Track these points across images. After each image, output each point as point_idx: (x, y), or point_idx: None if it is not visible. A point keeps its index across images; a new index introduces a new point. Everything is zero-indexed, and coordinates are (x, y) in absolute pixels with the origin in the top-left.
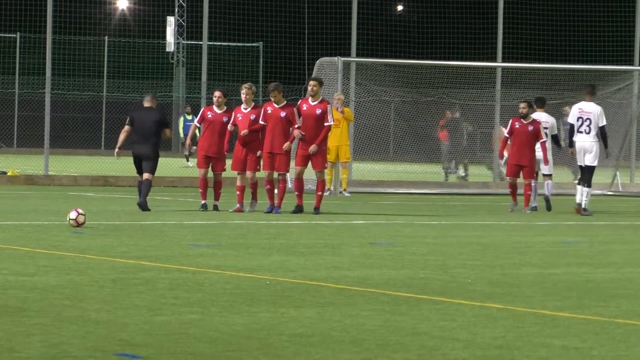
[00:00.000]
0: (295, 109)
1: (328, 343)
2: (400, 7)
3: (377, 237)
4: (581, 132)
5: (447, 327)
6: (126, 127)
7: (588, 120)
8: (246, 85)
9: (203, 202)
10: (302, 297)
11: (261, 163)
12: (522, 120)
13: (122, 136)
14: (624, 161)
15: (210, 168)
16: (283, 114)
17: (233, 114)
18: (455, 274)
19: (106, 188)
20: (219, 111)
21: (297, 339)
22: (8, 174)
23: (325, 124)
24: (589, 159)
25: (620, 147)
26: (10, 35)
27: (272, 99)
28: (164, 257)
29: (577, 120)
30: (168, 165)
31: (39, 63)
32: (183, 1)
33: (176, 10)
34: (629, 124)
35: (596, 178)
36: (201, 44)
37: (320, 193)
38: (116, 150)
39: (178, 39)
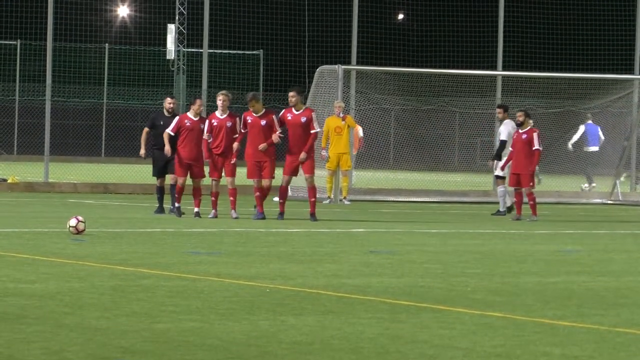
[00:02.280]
0: (274, 116)
1: (328, 351)
2: (401, 16)
3: (377, 245)
4: None
5: (447, 336)
6: (148, 130)
7: None
8: (223, 92)
9: (177, 205)
10: (301, 305)
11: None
12: (519, 128)
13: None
14: (624, 170)
15: (189, 175)
16: (263, 122)
17: (207, 121)
18: (455, 282)
19: (106, 195)
20: (195, 118)
21: (297, 346)
22: (8, 181)
23: (312, 131)
24: None
25: (620, 156)
26: (10, 42)
27: (251, 108)
28: (164, 264)
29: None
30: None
31: (39, 70)
32: (184, 9)
33: (177, 17)
34: (629, 133)
35: (597, 187)
36: (202, 52)
37: (313, 199)
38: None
39: (178, 46)
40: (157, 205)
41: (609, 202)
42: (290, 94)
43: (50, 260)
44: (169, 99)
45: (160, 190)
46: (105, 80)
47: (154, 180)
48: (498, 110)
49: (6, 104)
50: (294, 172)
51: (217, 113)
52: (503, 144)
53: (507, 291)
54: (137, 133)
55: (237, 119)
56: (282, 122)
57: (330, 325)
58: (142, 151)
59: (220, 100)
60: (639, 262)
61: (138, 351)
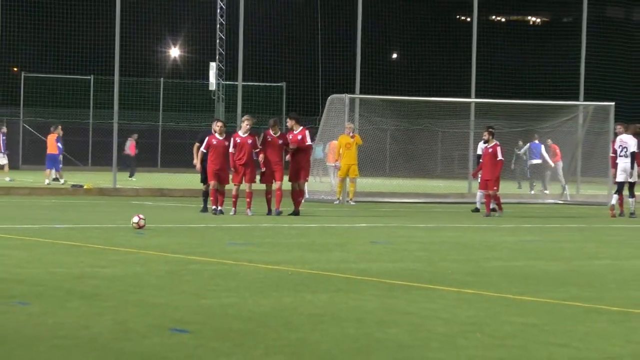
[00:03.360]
0: (286, 136)
1: (337, 320)
2: (394, 55)
3: (377, 237)
4: (622, 157)
5: (431, 308)
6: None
7: (626, 149)
8: (248, 117)
9: (215, 207)
10: (316, 284)
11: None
12: (486, 144)
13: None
14: (572, 176)
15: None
16: (280, 141)
17: (232, 139)
18: (438, 266)
19: (161, 198)
20: (220, 137)
21: (312, 317)
22: (84, 187)
23: (306, 143)
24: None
25: (568, 165)
26: (85, 77)
27: (272, 130)
28: (207, 253)
29: (619, 147)
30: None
31: (108, 99)
32: (222, 49)
33: (217, 57)
34: (575, 146)
35: (549, 189)
36: (237, 84)
37: (301, 199)
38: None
39: (218, 79)
40: (202, 205)
41: (560, 202)
42: (289, 121)
43: (118, 250)
44: (218, 122)
45: (206, 194)
46: (161, 107)
47: (200, 186)
48: (485, 133)
49: (82, 126)
50: (297, 178)
51: (240, 132)
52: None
53: (480, 273)
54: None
55: (256, 137)
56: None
57: (339, 300)
58: (197, 163)
59: (246, 123)
60: (584, 250)
61: (187, 322)
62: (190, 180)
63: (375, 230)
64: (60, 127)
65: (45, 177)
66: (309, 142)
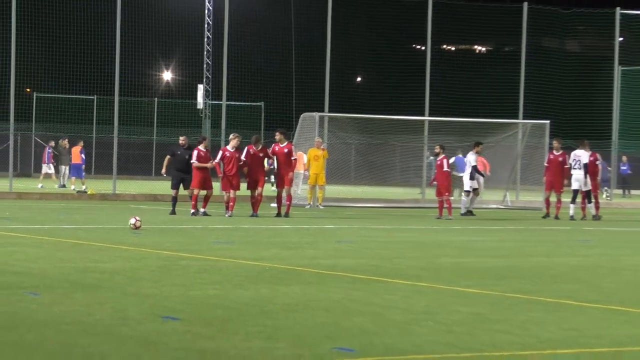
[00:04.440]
0: (267, 150)
1: (308, 310)
2: (359, 78)
3: (343, 236)
4: (575, 169)
5: (390, 299)
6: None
7: (579, 162)
8: (237, 135)
9: (203, 210)
10: (290, 278)
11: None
12: (436, 157)
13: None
14: (513, 184)
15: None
16: (261, 154)
17: (220, 152)
18: (396, 262)
19: (155, 202)
20: (205, 150)
21: (286, 306)
22: (88, 192)
23: (292, 158)
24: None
25: (509, 175)
26: (89, 97)
27: (254, 144)
28: (195, 250)
29: (573, 161)
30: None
31: (109, 116)
32: (209, 73)
33: (204, 79)
34: (515, 159)
35: (492, 196)
36: (221, 103)
37: (289, 202)
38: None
39: (205, 99)
40: (171, 209)
41: (501, 207)
42: (277, 134)
43: (117, 247)
44: (181, 137)
45: (175, 199)
46: (155, 123)
47: (186, 191)
48: (477, 147)
49: (87, 139)
50: (283, 185)
51: (229, 147)
52: (475, 168)
53: (432, 268)
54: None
55: (240, 151)
56: (273, 153)
57: (309, 292)
58: (164, 170)
59: (234, 140)
60: (522, 248)
61: (177, 310)
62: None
63: (342, 231)
64: (82, 141)
65: (71, 184)
66: (295, 156)
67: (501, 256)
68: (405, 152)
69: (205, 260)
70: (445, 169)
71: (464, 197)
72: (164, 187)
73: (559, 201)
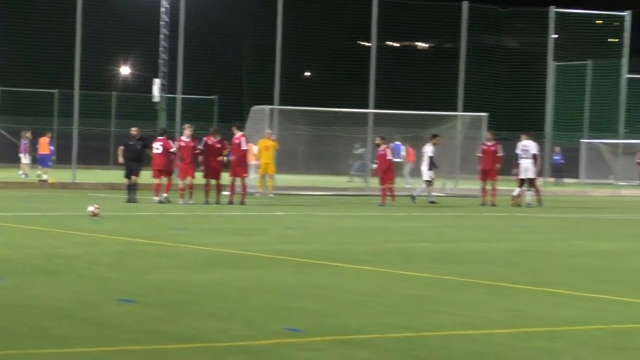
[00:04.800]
0: (225, 141)
1: (259, 292)
2: (308, 73)
3: (292, 223)
4: (523, 158)
5: (337, 282)
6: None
7: (527, 151)
8: (189, 125)
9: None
10: (242, 262)
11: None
12: (377, 147)
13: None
14: (452, 173)
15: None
16: (218, 145)
17: (176, 142)
18: (343, 247)
19: (113, 191)
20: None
21: (239, 290)
22: (49, 181)
23: (242, 148)
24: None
25: (450, 164)
26: (51, 90)
27: (212, 136)
28: (151, 236)
29: (521, 151)
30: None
31: (69, 109)
32: (165, 68)
33: (160, 74)
34: (454, 149)
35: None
36: (177, 97)
37: (244, 192)
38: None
39: (161, 93)
40: (128, 196)
41: (442, 194)
42: (234, 127)
43: (77, 234)
44: (133, 128)
45: (129, 187)
46: (113, 115)
47: (142, 180)
48: (434, 139)
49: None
50: (235, 174)
51: (184, 138)
52: (431, 159)
53: (377, 253)
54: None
55: (198, 141)
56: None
57: (261, 275)
58: (121, 159)
59: (188, 130)
60: (461, 234)
61: (134, 294)
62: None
63: (291, 218)
64: (50, 133)
65: (44, 174)
66: (244, 147)
67: (441, 241)
68: (351, 143)
69: (160, 246)
70: (389, 157)
71: (423, 186)
72: (121, 176)
73: (494, 189)
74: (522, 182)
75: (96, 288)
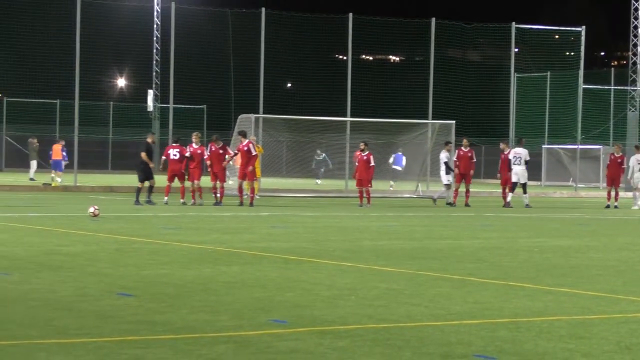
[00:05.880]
0: (227, 147)
1: (246, 287)
2: (289, 84)
3: (276, 222)
4: (516, 164)
5: (317, 277)
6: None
7: (520, 158)
8: (198, 133)
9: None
10: (230, 259)
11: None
12: (361, 152)
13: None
14: (423, 176)
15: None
16: (221, 151)
17: (188, 147)
18: (323, 244)
19: (112, 193)
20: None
21: (227, 284)
22: (52, 185)
23: (252, 154)
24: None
25: (420, 168)
26: (53, 101)
27: (215, 142)
28: (146, 235)
29: (514, 157)
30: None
31: (70, 117)
32: (158, 80)
33: (154, 85)
34: (425, 154)
35: (405, 187)
36: (169, 106)
37: (253, 195)
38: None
39: (155, 103)
40: (147, 199)
41: (414, 196)
42: (240, 134)
43: (78, 233)
44: (152, 135)
45: (148, 190)
46: (111, 124)
47: (138, 183)
48: (447, 146)
49: (50, 139)
50: (243, 178)
51: (194, 144)
52: (446, 164)
53: (354, 250)
54: (129, 156)
55: (204, 148)
56: (238, 150)
57: (247, 271)
58: (152, 164)
59: (197, 137)
60: (432, 232)
61: (131, 288)
62: (134, 179)
63: (274, 218)
64: (63, 140)
65: (58, 177)
66: (253, 152)
67: (414, 239)
68: (330, 148)
69: (155, 244)
70: (372, 164)
71: (443, 189)
72: (119, 179)
73: (467, 191)
74: (514, 186)
75: (95, 282)
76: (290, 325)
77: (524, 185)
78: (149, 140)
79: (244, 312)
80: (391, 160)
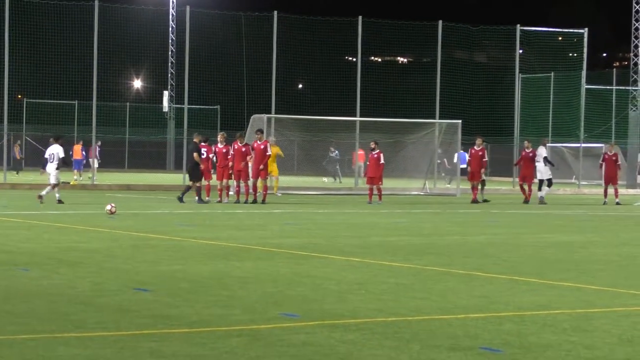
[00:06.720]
0: (249, 146)
1: (258, 282)
2: (300, 85)
3: (288, 219)
4: (539, 162)
5: (327, 272)
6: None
7: (540, 156)
8: (223, 133)
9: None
10: (243, 255)
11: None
12: (372, 151)
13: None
14: (430, 174)
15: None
16: (244, 149)
17: (214, 148)
18: (333, 240)
19: (129, 191)
20: (220, 146)
21: (240, 279)
22: (71, 183)
23: (267, 153)
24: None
25: (428, 167)
26: (71, 102)
27: (238, 140)
28: (162, 231)
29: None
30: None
31: (88, 118)
32: (173, 81)
33: (169, 86)
34: (432, 153)
35: (413, 184)
36: (184, 107)
37: (265, 192)
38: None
39: (170, 104)
40: (197, 197)
41: (421, 193)
42: (257, 133)
43: (95, 230)
44: (220, 134)
45: (198, 189)
46: (127, 123)
47: (154, 181)
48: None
49: (69, 138)
50: (257, 177)
51: (219, 144)
52: (546, 158)
53: (363, 246)
54: (146, 155)
55: (230, 147)
56: (252, 148)
57: (260, 267)
58: (203, 166)
59: (222, 137)
60: (439, 228)
61: (147, 283)
62: (150, 177)
63: (287, 215)
64: (82, 141)
65: (74, 175)
66: (269, 152)
67: (421, 235)
68: (340, 147)
69: (170, 241)
70: (382, 162)
71: (545, 187)
72: (135, 178)
73: (474, 188)
74: (540, 183)
75: (112, 278)
76: (302, 318)
77: (541, 182)
78: (197, 140)
79: (256, 306)
80: (455, 159)
